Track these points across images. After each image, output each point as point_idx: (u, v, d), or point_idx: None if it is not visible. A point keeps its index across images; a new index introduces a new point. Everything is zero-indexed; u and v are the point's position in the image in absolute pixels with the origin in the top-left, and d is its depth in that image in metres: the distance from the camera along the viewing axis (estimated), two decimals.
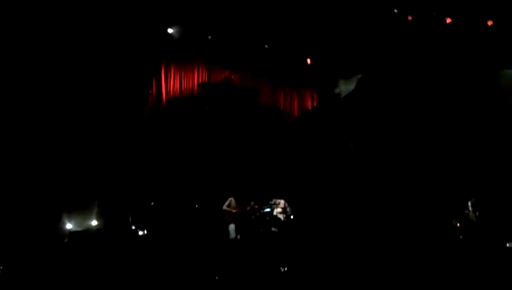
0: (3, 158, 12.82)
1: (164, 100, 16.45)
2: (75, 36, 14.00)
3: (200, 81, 16.87)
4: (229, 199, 14.70)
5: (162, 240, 12.69)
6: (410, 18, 15.81)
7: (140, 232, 12.47)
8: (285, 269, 12.24)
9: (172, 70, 16.67)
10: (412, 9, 15.73)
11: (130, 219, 12.97)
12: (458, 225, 14.21)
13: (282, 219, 14.51)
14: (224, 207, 14.53)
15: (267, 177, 16.33)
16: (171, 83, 16.59)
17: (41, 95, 13.61)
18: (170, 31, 15.90)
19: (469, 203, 14.47)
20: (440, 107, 16.12)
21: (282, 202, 14.66)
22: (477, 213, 14.28)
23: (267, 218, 14.46)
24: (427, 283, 11.16)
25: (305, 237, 13.50)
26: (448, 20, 15.56)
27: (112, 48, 14.83)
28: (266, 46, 16.77)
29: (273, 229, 14.21)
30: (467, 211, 14.42)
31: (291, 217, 14.48)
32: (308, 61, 16.88)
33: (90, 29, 14.21)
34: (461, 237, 13.72)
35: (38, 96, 13.58)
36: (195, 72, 16.92)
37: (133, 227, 12.67)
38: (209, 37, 16.33)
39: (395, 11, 15.78)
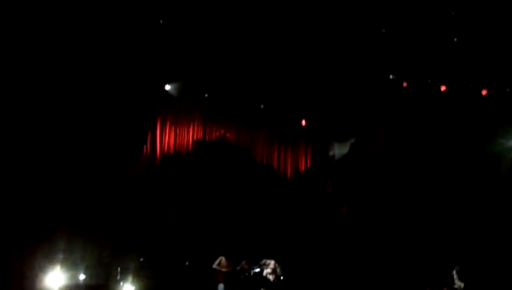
0: None
1: (158, 156, 16.42)
2: (74, 83, 14.00)
3: (196, 138, 16.90)
4: (220, 257, 14.54)
5: None
6: (405, 84, 16.02)
7: (128, 287, 12.25)
8: None
9: (168, 125, 16.73)
10: (407, 76, 15.97)
11: (119, 274, 12.74)
12: None
13: (272, 279, 14.34)
14: (215, 266, 14.35)
15: (258, 236, 16.24)
16: (166, 139, 16.65)
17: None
18: (168, 87, 16.02)
19: (454, 272, 14.42)
20: (432, 174, 16.22)
21: (272, 262, 14.50)
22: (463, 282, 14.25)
23: (257, 278, 14.30)
24: None
25: None
26: (443, 88, 15.78)
27: (109, 100, 14.86)
28: (262, 106, 16.91)
29: (262, 289, 14.04)
30: (452, 280, 14.36)
31: (281, 278, 14.31)
32: (303, 122, 17.01)
33: (90, 81, 14.24)
34: None
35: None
36: (191, 128, 16.97)
37: (121, 283, 12.43)
38: (206, 94, 16.47)
39: (391, 77, 16.01)
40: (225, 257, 14.37)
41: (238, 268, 14.32)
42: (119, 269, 12.78)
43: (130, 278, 12.59)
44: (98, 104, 14.30)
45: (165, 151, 16.61)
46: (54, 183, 13.63)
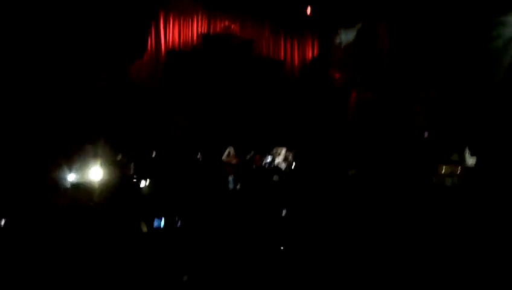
0: None
1: (163, 52, 16.37)
2: None
3: (200, 31, 16.75)
4: (228, 149, 14.75)
5: (163, 191, 12.79)
6: None
7: (142, 183, 12.52)
8: (287, 221, 12.37)
9: (171, 19, 16.54)
10: None
11: (132, 169, 13.02)
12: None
13: (284, 167, 14.58)
14: (224, 158, 14.58)
15: (267, 126, 16.41)
16: (170, 33, 16.49)
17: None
18: None
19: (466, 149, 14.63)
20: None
21: (283, 150, 14.70)
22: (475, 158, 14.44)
23: (269, 167, 14.53)
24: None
25: (307, 188, 13.57)
26: None
27: None
28: None
29: (274, 178, 14.28)
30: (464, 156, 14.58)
31: (293, 165, 14.54)
32: (309, 10, 16.76)
33: None
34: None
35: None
36: (195, 21, 16.78)
37: (135, 178, 12.71)
38: None
39: None
40: (234, 148, 14.61)
41: (248, 158, 14.56)
42: (132, 166, 13.05)
43: (142, 173, 12.83)
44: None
45: (170, 47, 16.48)
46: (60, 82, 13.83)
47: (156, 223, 10.90)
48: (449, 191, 13.56)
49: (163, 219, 10.90)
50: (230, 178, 13.91)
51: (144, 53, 16.03)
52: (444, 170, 14.46)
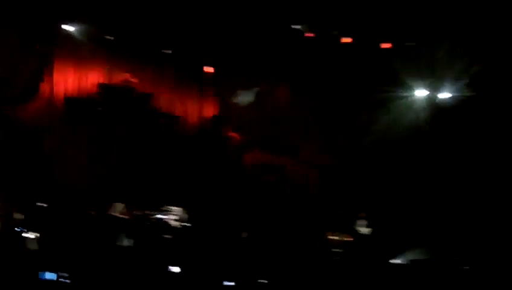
0: None
1: (61, 99, 15.88)
2: None
3: (99, 81, 16.43)
4: (118, 205, 14.42)
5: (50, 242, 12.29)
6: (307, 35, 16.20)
7: (31, 235, 11.96)
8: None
9: (69, 68, 16.12)
10: (311, 27, 16.13)
11: (20, 220, 12.41)
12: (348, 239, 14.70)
13: (177, 225, 14.42)
14: (113, 213, 14.22)
15: (161, 185, 16.21)
16: (68, 81, 16.06)
17: None
18: (67, 27, 15.43)
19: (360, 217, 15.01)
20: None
21: (177, 209, 14.60)
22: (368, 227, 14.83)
23: (161, 224, 14.33)
24: None
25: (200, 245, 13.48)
26: (346, 40, 16.07)
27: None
28: (167, 51, 16.64)
29: (166, 236, 14.07)
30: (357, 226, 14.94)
31: (187, 225, 14.39)
32: (210, 69, 16.92)
33: None
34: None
35: None
36: (94, 71, 16.45)
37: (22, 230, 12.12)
38: (110, 37, 15.98)
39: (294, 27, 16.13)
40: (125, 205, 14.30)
41: (139, 214, 14.29)
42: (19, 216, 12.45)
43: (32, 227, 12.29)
44: None
45: (68, 94, 16.02)
46: None
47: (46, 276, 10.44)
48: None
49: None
50: (122, 234, 13.55)
51: (36, 96, 15.42)
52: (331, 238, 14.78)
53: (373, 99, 16.13)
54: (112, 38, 16.07)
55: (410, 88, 16.24)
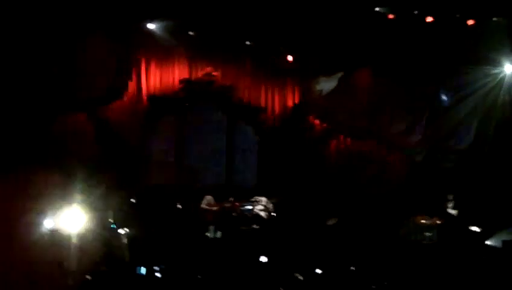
0: None
1: (145, 96, 16.28)
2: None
3: (181, 77, 16.70)
4: (207, 197, 14.66)
5: (143, 240, 12.62)
6: (391, 17, 15.80)
7: (121, 231, 12.33)
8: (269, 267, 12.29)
9: (152, 65, 16.49)
10: (394, 9, 15.72)
11: (111, 217, 12.80)
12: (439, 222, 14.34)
13: (264, 216, 14.51)
14: (203, 205, 14.46)
15: (246, 174, 16.37)
16: (151, 79, 16.42)
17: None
18: (150, 26, 15.72)
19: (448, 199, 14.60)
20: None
21: (263, 199, 14.70)
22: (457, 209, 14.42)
23: (248, 215, 14.46)
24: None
25: (288, 234, 13.51)
26: (429, 19, 15.58)
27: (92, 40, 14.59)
28: (248, 43, 16.68)
29: (254, 226, 14.19)
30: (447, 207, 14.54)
31: (273, 214, 14.46)
32: (290, 58, 16.83)
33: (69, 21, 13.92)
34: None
35: None
36: (176, 67, 16.75)
37: (113, 225, 12.50)
38: (190, 32, 16.18)
39: (377, 9, 15.76)
40: (213, 196, 14.52)
41: (227, 206, 14.46)
42: (111, 213, 12.83)
43: (122, 222, 12.64)
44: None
45: (151, 92, 16.40)
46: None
47: (137, 271, 10.71)
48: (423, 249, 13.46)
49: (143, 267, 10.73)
50: (211, 226, 13.78)
51: (122, 95, 15.82)
52: (418, 222, 14.44)
53: (460, 80, 15.58)
54: (193, 33, 16.19)
55: (500, 65, 15.54)
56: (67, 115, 14.61)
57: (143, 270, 11.65)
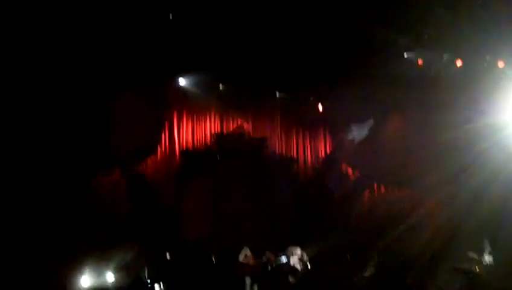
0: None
1: (177, 151, 16.42)
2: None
3: (213, 130, 16.86)
4: (244, 250, 14.60)
5: None
6: (420, 62, 15.78)
7: (157, 287, 12.32)
8: None
9: (184, 120, 16.67)
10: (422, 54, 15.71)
11: (146, 273, 12.81)
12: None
13: (299, 268, 14.37)
14: (241, 259, 14.40)
15: (280, 226, 16.31)
16: (183, 134, 16.58)
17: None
18: (182, 82, 15.95)
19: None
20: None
21: (298, 250, 14.57)
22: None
23: (285, 268, 14.33)
24: None
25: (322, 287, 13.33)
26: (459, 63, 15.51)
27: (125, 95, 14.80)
28: (278, 94, 16.81)
29: (290, 279, 14.05)
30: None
31: (308, 265, 14.32)
32: (320, 107, 16.91)
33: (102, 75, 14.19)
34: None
35: None
36: (208, 121, 16.91)
37: (149, 282, 12.50)
38: (220, 86, 16.37)
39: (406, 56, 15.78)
40: (249, 249, 14.45)
41: (264, 259, 14.36)
42: (146, 269, 12.83)
43: (157, 276, 12.64)
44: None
45: (184, 146, 16.55)
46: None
47: None
48: None
49: None
50: (248, 281, 13.70)
51: (155, 152, 15.97)
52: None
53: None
54: (224, 87, 16.38)
55: None
56: (102, 172, 14.71)
57: None
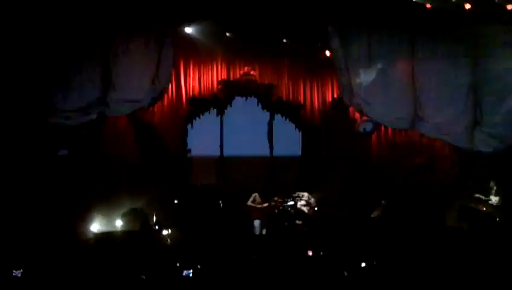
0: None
1: (184, 98, 16.45)
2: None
3: (220, 78, 16.85)
4: (253, 194, 14.74)
5: (187, 238, 12.72)
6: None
7: (165, 232, 12.48)
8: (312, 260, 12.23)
9: (191, 66, 16.65)
10: None
11: (154, 217, 12.99)
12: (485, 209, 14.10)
13: (307, 211, 14.52)
14: (249, 203, 14.55)
15: (289, 171, 16.40)
16: (190, 81, 16.59)
17: None
18: (188, 29, 15.87)
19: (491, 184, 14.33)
20: None
21: (305, 194, 14.71)
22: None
23: (291, 211, 14.48)
24: None
25: (331, 229, 13.44)
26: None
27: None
28: (285, 40, 16.70)
29: (297, 222, 14.20)
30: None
31: (316, 209, 14.44)
32: (328, 53, 16.75)
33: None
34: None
35: None
36: (214, 68, 16.89)
37: (157, 227, 12.67)
38: (227, 33, 16.28)
39: None
40: (258, 194, 14.59)
41: (272, 203, 14.51)
42: (154, 214, 13.01)
43: (165, 221, 12.80)
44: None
45: (190, 94, 16.57)
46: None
47: (184, 273, 10.77)
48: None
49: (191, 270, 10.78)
50: (257, 223, 13.87)
51: (162, 98, 16.00)
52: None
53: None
54: (231, 34, 16.28)
55: None
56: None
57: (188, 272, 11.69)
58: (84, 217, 12.59)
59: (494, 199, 14.17)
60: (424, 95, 15.84)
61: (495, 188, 14.27)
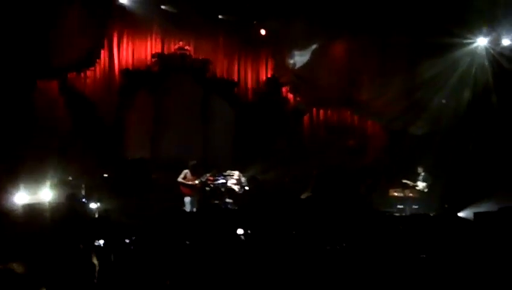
0: None
1: (117, 70, 16.11)
2: None
3: (154, 51, 16.58)
4: (184, 171, 14.61)
5: (117, 213, 12.55)
6: None
7: (93, 205, 12.25)
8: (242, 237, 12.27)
9: (125, 39, 16.30)
10: None
11: (83, 191, 12.73)
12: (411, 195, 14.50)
13: (237, 189, 14.55)
14: (180, 179, 14.43)
15: (222, 148, 16.36)
16: (124, 53, 16.26)
17: None
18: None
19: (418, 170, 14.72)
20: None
21: (236, 173, 14.72)
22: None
23: (222, 188, 14.49)
24: None
25: (261, 208, 13.49)
26: None
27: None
28: (220, 16, 16.58)
29: (227, 200, 14.23)
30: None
31: (246, 188, 14.48)
32: (263, 31, 16.77)
33: None
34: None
35: None
36: (149, 41, 16.60)
37: (85, 200, 12.42)
38: (162, 6, 16.02)
39: None
40: (189, 170, 14.49)
41: (203, 180, 14.44)
42: (83, 186, 12.75)
43: (94, 196, 12.55)
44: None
45: (123, 66, 16.24)
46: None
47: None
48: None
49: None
50: (187, 199, 13.79)
51: (93, 65, 15.65)
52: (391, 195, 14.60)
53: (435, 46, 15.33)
54: (167, 7, 16.03)
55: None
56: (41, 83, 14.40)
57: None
58: (10, 188, 12.16)
59: (421, 185, 14.59)
60: (360, 77, 16.14)
61: (422, 173, 14.69)
